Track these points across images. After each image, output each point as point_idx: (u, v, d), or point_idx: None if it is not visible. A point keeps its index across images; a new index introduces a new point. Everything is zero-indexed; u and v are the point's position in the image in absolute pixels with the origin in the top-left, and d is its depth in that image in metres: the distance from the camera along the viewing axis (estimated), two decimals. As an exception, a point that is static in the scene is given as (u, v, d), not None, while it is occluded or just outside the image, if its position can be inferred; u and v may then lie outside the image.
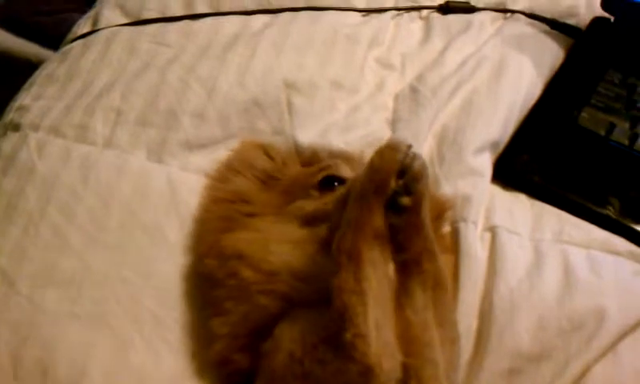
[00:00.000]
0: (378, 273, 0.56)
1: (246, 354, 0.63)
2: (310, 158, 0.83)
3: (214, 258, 0.69)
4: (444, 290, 0.63)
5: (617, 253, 0.77)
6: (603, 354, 0.70)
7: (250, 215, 0.72)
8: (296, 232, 0.69)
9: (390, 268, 0.58)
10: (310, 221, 0.69)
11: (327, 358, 0.55)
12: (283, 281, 0.63)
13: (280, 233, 0.69)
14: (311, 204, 0.71)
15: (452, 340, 0.63)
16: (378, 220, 0.57)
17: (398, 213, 0.58)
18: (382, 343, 0.54)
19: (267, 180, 0.77)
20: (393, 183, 0.57)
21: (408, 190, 0.58)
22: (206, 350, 0.67)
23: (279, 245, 0.67)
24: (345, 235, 0.57)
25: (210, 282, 0.69)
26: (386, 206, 0.57)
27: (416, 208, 0.58)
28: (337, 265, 0.56)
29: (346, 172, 0.73)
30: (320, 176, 0.73)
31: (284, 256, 0.65)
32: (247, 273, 0.65)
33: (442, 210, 0.76)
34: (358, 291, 0.54)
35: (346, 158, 0.80)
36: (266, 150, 0.80)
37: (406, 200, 0.58)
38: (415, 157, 0.58)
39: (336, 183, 0.72)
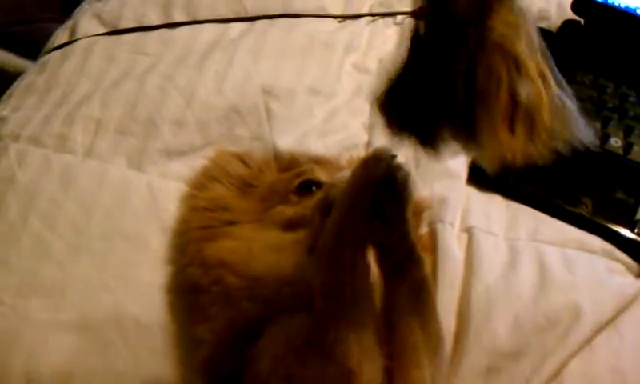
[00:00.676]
0: (359, 278, 0.57)
1: (231, 359, 0.64)
2: (287, 163, 0.84)
3: (198, 267, 0.69)
4: (429, 295, 0.64)
5: (590, 250, 0.79)
6: (579, 350, 0.71)
7: (230, 223, 0.73)
8: (277, 237, 0.69)
9: (373, 273, 0.59)
10: (290, 226, 0.70)
11: (309, 360, 0.56)
12: (267, 286, 0.64)
13: (261, 239, 0.69)
14: (290, 209, 0.71)
15: (437, 344, 0.64)
16: (361, 227, 0.58)
17: (383, 221, 0.59)
18: (363, 347, 0.55)
19: (244, 187, 0.77)
20: (377, 192, 0.58)
21: (392, 199, 0.59)
22: (190, 355, 0.68)
23: (261, 251, 0.67)
24: (327, 241, 0.58)
25: (194, 290, 0.69)
26: (371, 214, 0.58)
27: (401, 216, 0.59)
28: (319, 269, 0.57)
29: (322, 176, 0.74)
30: (297, 181, 0.74)
31: (267, 262, 0.66)
32: (231, 279, 0.65)
33: (418, 210, 0.77)
34: (339, 296, 0.55)
35: (322, 162, 0.81)
36: (242, 158, 0.81)
37: (391, 209, 0.59)
38: (399, 166, 0.59)
39: (313, 187, 0.72)
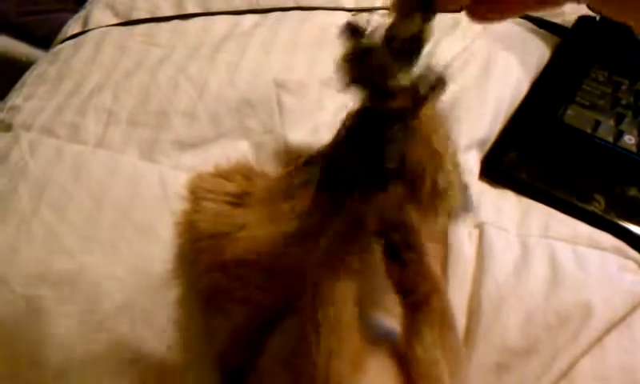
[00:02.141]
0: (342, 304, 0.55)
1: (247, 351, 0.64)
2: (293, 157, 0.83)
3: (216, 271, 0.68)
4: (451, 326, 0.63)
5: (602, 248, 0.78)
6: (590, 348, 0.71)
7: (240, 227, 0.71)
8: (294, 230, 0.68)
9: (355, 302, 0.57)
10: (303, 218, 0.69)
11: (285, 370, 0.57)
12: (291, 278, 0.64)
13: (280, 233, 0.69)
14: (299, 203, 0.70)
15: (458, 367, 0.63)
16: (354, 261, 0.56)
17: (403, 266, 0.58)
18: (333, 373, 0.54)
19: (237, 199, 0.75)
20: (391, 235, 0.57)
21: (408, 244, 0.58)
22: (202, 347, 0.68)
23: (284, 244, 0.67)
24: (319, 259, 0.57)
25: (212, 293, 0.68)
26: (388, 256, 0.58)
27: (420, 257, 0.59)
28: (306, 285, 0.56)
29: None
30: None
31: (291, 254, 0.66)
32: (255, 276, 0.65)
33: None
34: (315, 317, 0.54)
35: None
36: (222, 175, 0.78)
37: (409, 255, 0.58)
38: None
39: None
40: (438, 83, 0.52)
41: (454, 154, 0.55)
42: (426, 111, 0.53)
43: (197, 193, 0.75)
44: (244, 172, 0.78)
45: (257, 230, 0.70)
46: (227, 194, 0.75)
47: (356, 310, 0.56)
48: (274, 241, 0.67)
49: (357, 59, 0.52)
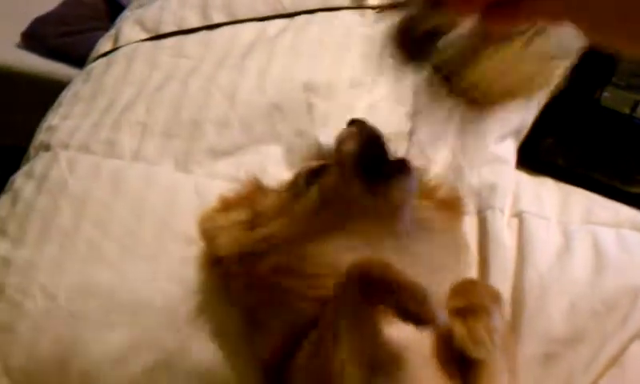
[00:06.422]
0: (359, 325, 0.57)
1: (289, 356, 0.64)
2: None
3: (257, 289, 0.69)
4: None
5: (646, 230, 0.77)
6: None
7: (266, 240, 0.70)
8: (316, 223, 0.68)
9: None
10: (323, 205, 0.68)
11: (307, 377, 0.60)
12: (324, 285, 0.63)
13: (302, 234, 0.68)
14: (310, 196, 0.69)
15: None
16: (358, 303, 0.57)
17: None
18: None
19: (250, 224, 0.74)
20: None
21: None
22: (243, 355, 0.70)
23: (316, 246, 0.67)
24: (352, 275, 0.57)
25: (252, 309, 0.70)
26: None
27: None
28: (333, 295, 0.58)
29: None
30: (302, 177, 0.72)
31: (327, 254, 0.66)
32: (292, 282, 0.65)
33: (453, 203, 0.76)
34: (333, 327, 0.57)
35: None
36: (226, 206, 0.77)
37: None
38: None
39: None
40: None
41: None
42: None
43: (209, 233, 0.74)
44: (246, 199, 0.77)
45: (280, 237, 0.69)
46: (239, 223, 0.74)
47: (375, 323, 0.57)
48: (300, 242, 0.67)
49: None
